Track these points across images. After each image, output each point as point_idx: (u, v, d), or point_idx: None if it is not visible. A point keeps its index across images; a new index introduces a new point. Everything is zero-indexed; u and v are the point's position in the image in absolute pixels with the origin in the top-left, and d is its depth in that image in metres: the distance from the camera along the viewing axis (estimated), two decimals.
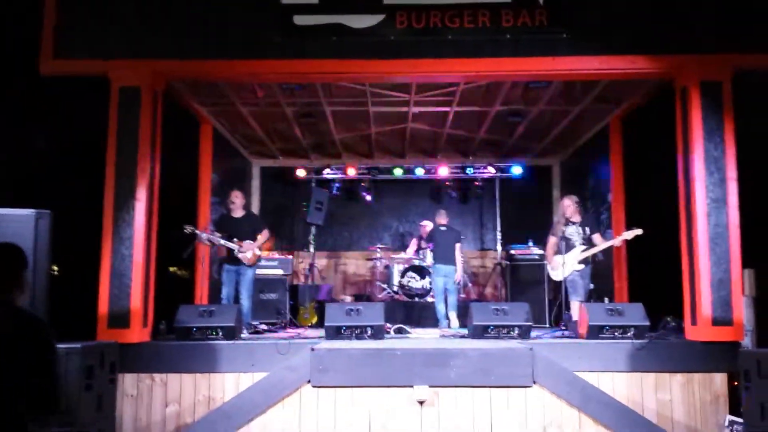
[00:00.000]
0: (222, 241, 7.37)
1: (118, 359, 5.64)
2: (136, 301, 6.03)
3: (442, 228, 8.66)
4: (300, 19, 6.36)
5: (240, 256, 7.40)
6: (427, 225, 9.76)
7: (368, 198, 11.31)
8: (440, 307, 8.30)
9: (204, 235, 7.33)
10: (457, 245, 8.47)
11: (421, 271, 9.67)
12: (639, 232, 6.85)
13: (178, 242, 7.21)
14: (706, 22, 6.30)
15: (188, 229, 7.25)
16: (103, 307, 6.02)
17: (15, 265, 2.85)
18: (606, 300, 8.04)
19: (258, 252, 7.60)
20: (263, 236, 7.69)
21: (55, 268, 6.88)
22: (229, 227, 7.52)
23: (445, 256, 8.44)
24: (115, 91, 6.31)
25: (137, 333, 6.01)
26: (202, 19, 6.38)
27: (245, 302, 7.38)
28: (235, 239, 7.42)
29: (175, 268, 9.35)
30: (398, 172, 11.01)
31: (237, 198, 7.72)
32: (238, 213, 7.71)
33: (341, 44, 6.36)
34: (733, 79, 6.28)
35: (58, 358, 2.80)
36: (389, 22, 6.34)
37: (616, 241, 7.09)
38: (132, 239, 6.10)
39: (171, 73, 6.54)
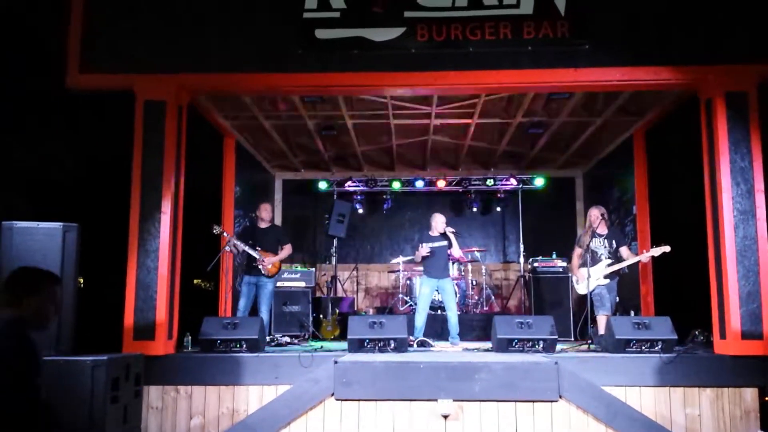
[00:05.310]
0: (246, 248, 7.44)
1: (144, 371, 5.68)
2: (161, 313, 6.07)
3: (434, 236, 7.94)
4: (321, 33, 6.40)
5: (260, 266, 7.45)
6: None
7: (385, 207, 11.32)
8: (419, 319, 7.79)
9: (231, 237, 7.46)
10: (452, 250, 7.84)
11: None
12: (667, 249, 6.72)
13: (203, 254, 7.28)
14: (730, 33, 6.23)
15: (216, 229, 7.40)
16: (129, 319, 6.06)
17: (18, 287, 2.97)
18: (632, 313, 7.95)
19: (278, 265, 7.65)
20: (286, 250, 7.77)
21: (81, 280, 6.95)
22: (253, 237, 7.60)
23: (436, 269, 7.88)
24: (141, 105, 6.38)
25: (162, 345, 6.04)
26: (225, 34, 6.45)
27: (264, 315, 7.39)
28: (258, 248, 7.49)
29: (199, 281, 9.41)
30: (419, 184, 11.04)
31: (266, 211, 7.85)
32: (263, 225, 7.79)
33: (362, 57, 6.39)
34: (759, 89, 6.20)
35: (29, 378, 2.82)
36: (410, 35, 6.36)
37: (644, 257, 6.97)
38: (157, 252, 6.15)
39: (195, 86, 6.61)
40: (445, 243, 7.87)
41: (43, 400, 2.84)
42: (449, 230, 7.81)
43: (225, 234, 7.52)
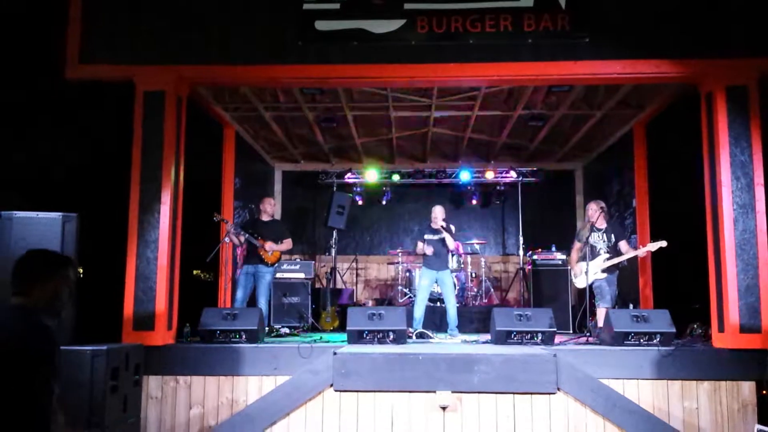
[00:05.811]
0: (246, 236, 7.56)
1: (143, 361, 5.70)
2: (160, 303, 6.08)
3: (434, 228, 7.92)
4: (321, 25, 6.38)
5: (261, 252, 7.57)
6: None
7: (384, 199, 11.33)
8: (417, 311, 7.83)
9: (231, 225, 7.58)
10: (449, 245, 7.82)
11: None
12: (663, 244, 6.75)
13: (203, 245, 7.30)
14: (731, 27, 6.22)
15: (217, 217, 7.49)
16: (129, 309, 6.07)
17: (26, 275, 2.69)
18: (631, 306, 7.96)
19: (278, 254, 7.73)
20: (286, 244, 7.88)
21: (81, 270, 6.97)
22: (254, 228, 7.67)
23: (436, 261, 7.88)
24: (140, 96, 6.37)
25: (162, 335, 6.05)
26: (225, 25, 6.43)
27: (263, 306, 7.43)
28: (258, 237, 7.58)
29: (198, 271, 9.42)
30: (419, 175, 11.07)
31: (269, 205, 8.02)
32: (265, 218, 7.92)
33: (362, 49, 6.37)
34: (759, 83, 6.19)
35: (42, 379, 2.50)
36: (410, 27, 6.34)
37: (641, 252, 7.01)
38: (157, 242, 6.15)
39: (195, 77, 6.59)
40: (444, 236, 7.86)
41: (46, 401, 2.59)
42: (442, 225, 7.79)
43: (225, 221, 7.59)
